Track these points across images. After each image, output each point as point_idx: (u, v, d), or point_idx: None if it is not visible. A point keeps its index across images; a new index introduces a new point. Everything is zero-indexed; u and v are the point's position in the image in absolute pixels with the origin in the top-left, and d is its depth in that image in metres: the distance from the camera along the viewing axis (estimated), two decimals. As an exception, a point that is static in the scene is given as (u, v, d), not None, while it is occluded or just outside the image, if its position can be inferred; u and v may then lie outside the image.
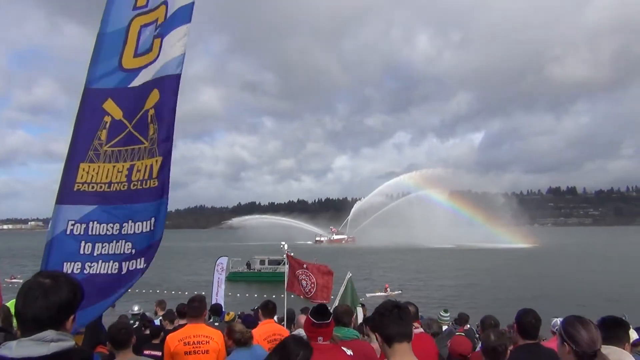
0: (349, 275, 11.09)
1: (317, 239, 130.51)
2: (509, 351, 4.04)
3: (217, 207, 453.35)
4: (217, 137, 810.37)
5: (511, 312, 4.77)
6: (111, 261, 3.37)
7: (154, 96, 3.54)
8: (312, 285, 10.30)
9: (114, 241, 3.39)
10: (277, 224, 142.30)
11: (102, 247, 3.38)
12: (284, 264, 11.04)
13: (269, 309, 6.37)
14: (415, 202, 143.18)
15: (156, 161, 3.45)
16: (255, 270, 49.72)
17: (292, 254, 11.14)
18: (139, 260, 3.38)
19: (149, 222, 3.38)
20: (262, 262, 50.36)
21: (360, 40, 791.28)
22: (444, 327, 9.48)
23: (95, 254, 3.37)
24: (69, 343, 1.97)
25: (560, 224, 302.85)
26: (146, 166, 3.45)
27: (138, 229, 3.38)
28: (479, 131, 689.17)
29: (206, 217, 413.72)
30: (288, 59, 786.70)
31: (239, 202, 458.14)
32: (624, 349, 3.33)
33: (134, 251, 3.37)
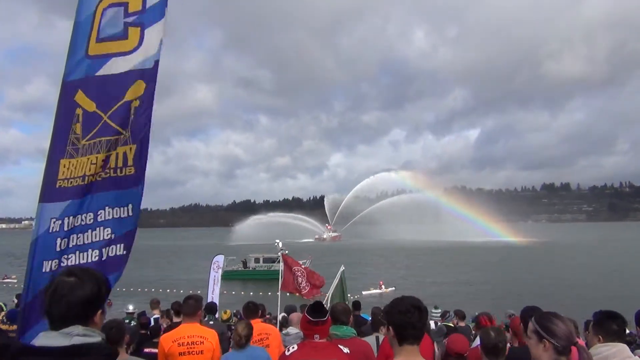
0: (342, 268, 11.06)
1: (317, 236, 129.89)
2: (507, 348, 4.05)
3: (211, 205, 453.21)
4: (211, 135, 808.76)
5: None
6: (89, 250, 3.31)
7: (138, 88, 3.45)
8: (307, 283, 10.62)
9: (89, 230, 3.33)
10: (283, 222, 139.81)
11: (77, 238, 3.32)
12: (279, 261, 11.10)
13: (250, 309, 6.44)
14: (409, 200, 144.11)
15: (130, 149, 3.39)
16: (250, 269, 49.66)
17: (287, 252, 11.22)
18: (118, 246, 3.33)
19: (126, 208, 3.34)
20: (256, 260, 50.32)
21: (356, 36, 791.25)
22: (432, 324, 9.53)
23: (70, 246, 3.31)
24: (94, 339, 2.00)
25: (554, 220, 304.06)
26: (119, 154, 3.38)
27: (116, 214, 3.34)
28: (475, 128, 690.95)
29: (201, 215, 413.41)
30: (283, 55, 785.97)
31: (234, 200, 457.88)
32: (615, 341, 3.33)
33: (113, 236, 3.32)
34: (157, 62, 3.49)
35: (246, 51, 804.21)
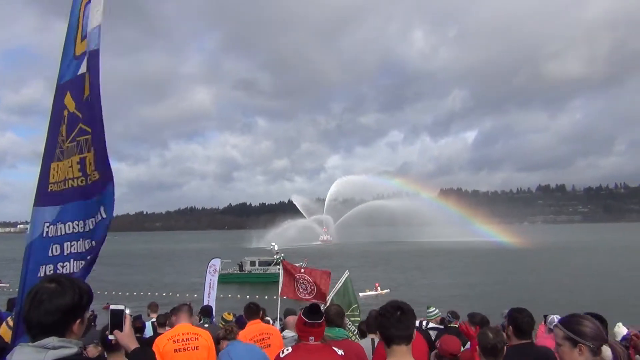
0: (346, 274, 10.82)
1: (322, 238, 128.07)
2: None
3: (207, 209, 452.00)
4: (209, 137, 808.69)
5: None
6: (81, 259, 3.29)
7: (87, 79, 3.31)
8: (312, 288, 10.23)
9: (81, 239, 3.30)
10: (301, 225, 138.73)
11: (72, 246, 3.30)
12: (275, 264, 11.02)
13: (251, 310, 6.45)
14: (407, 201, 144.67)
15: (94, 152, 3.25)
16: (246, 272, 49.60)
17: (283, 256, 11.13)
18: (95, 249, 3.29)
19: (98, 212, 3.24)
20: (252, 263, 50.24)
21: (356, 37, 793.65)
22: (430, 324, 9.55)
23: (65, 254, 3.29)
24: (70, 350, 1.94)
25: (550, 222, 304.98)
26: (91, 157, 3.26)
27: (93, 223, 3.28)
28: (473, 129, 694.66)
29: (197, 218, 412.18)
30: (282, 57, 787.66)
31: (230, 203, 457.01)
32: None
33: (94, 243, 3.29)
34: (97, 52, 3.27)
35: (245, 53, 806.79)
